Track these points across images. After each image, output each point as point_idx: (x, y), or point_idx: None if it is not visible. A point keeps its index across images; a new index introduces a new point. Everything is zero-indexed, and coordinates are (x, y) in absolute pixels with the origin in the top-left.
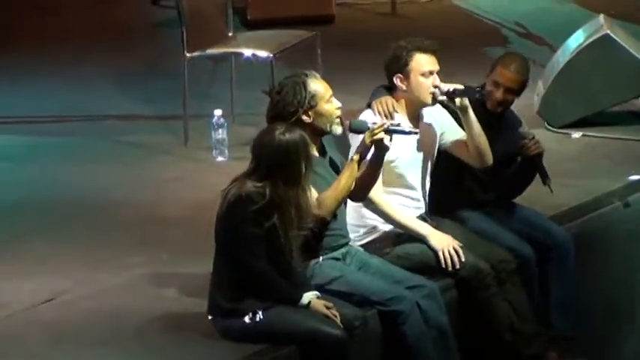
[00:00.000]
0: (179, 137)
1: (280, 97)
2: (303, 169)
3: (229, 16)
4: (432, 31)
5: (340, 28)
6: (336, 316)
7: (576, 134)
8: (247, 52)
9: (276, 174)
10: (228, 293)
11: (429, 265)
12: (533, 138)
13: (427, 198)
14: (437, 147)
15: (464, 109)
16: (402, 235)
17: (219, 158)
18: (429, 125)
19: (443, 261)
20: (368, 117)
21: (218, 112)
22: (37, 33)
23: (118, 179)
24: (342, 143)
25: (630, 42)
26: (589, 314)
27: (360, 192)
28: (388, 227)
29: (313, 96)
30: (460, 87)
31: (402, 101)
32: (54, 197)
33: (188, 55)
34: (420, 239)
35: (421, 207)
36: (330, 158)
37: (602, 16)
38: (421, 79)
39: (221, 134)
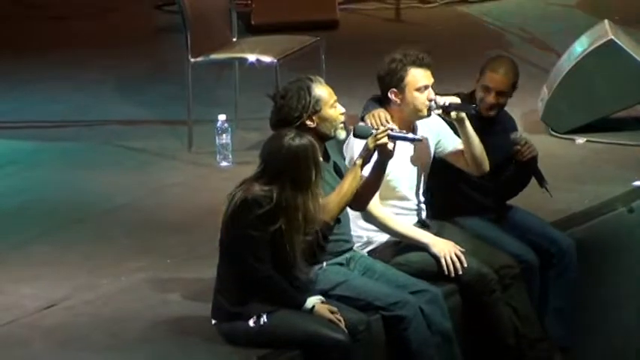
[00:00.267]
0: (183, 142)
1: (284, 102)
2: (313, 175)
3: (233, 21)
4: (436, 36)
5: (344, 33)
6: (340, 321)
7: (580, 140)
8: (251, 57)
9: (285, 179)
10: (233, 297)
11: (431, 271)
12: (526, 143)
13: (426, 204)
14: (432, 157)
15: (460, 120)
16: (402, 244)
17: (223, 163)
18: (424, 136)
19: (445, 267)
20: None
21: (222, 117)
22: (44, 39)
23: (121, 184)
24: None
25: (635, 48)
26: (591, 321)
27: (362, 200)
28: (383, 240)
29: (317, 101)
30: (455, 100)
31: (396, 114)
32: (58, 202)
33: (192, 60)
34: (422, 247)
35: (415, 217)
36: (334, 163)
37: (606, 22)
38: (416, 93)
39: (225, 139)
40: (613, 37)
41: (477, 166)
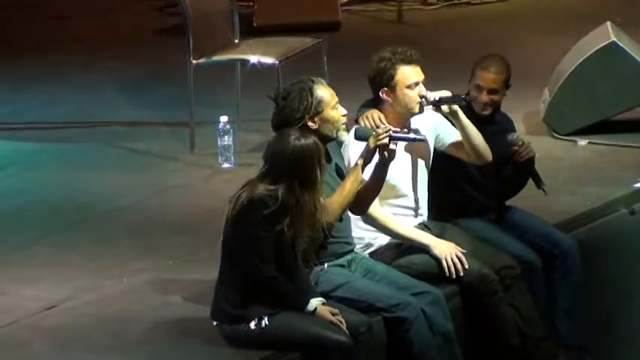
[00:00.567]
0: (185, 144)
1: (286, 103)
2: (318, 175)
3: (235, 22)
4: (438, 37)
5: (346, 35)
6: (341, 323)
7: (582, 142)
8: (253, 59)
9: (290, 179)
10: (235, 299)
11: (432, 273)
12: (523, 144)
13: (427, 205)
14: (432, 153)
15: (453, 113)
16: (402, 246)
17: (225, 165)
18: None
19: (446, 269)
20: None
21: (224, 119)
22: (46, 40)
23: (123, 186)
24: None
25: (636, 49)
26: (595, 322)
27: (363, 204)
28: (384, 242)
29: (319, 102)
30: (446, 94)
31: (390, 114)
32: (59, 203)
33: (194, 61)
34: (423, 249)
35: (416, 215)
36: (336, 164)
37: (608, 24)
38: (407, 91)
39: (227, 141)
40: (615, 39)
41: (478, 155)
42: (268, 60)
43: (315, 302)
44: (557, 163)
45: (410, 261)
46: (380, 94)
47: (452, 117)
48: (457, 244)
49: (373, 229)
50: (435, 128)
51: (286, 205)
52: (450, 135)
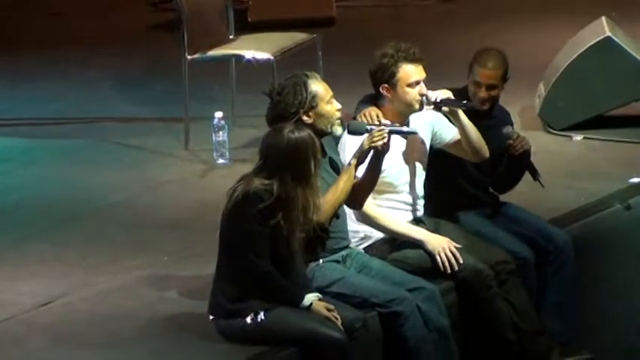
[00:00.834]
0: (180, 139)
1: (281, 98)
2: (313, 168)
3: (230, 18)
4: (433, 33)
5: (341, 30)
6: (337, 318)
7: (577, 137)
8: (248, 54)
9: (286, 172)
10: (231, 293)
11: (427, 268)
12: (518, 137)
13: (424, 200)
14: (428, 150)
15: (453, 112)
16: (398, 240)
17: (220, 160)
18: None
19: (440, 264)
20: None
21: (219, 115)
22: (42, 37)
23: (118, 181)
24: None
25: (631, 44)
26: (589, 317)
27: (359, 197)
28: (380, 235)
29: (314, 97)
30: (447, 95)
31: (389, 110)
32: (54, 199)
33: (189, 57)
34: (417, 244)
35: (412, 211)
36: (330, 158)
37: (603, 19)
38: (408, 89)
39: (222, 136)
40: (610, 33)
41: (476, 153)
42: (263, 55)
43: (310, 297)
44: (551, 159)
45: (405, 255)
46: (380, 89)
47: (451, 116)
48: (452, 239)
49: (364, 227)
50: (433, 125)
51: (281, 198)
52: (448, 132)
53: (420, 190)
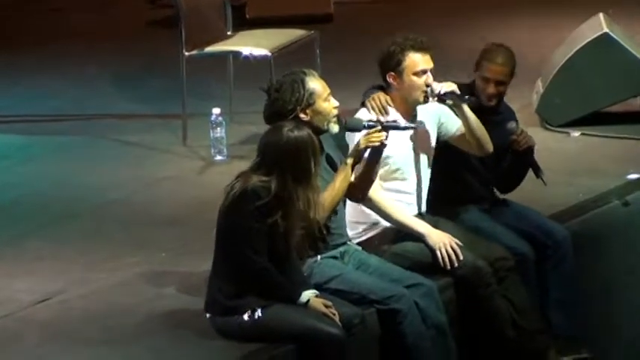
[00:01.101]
0: (177, 136)
1: (278, 95)
2: (312, 167)
3: (228, 14)
4: (432, 29)
5: (338, 27)
6: (334, 315)
7: (575, 133)
8: (245, 51)
9: (284, 170)
10: (228, 290)
11: (426, 263)
12: (522, 132)
13: (426, 193)
14: (434, 140)
15: (457, 105)
16: (401, 233)
17: (218, 157)
18: (424, 123)
19: (440, 260)
20: (363, 115)
21: (216, 111)
22: (41, 33)
23: (115, 178)
24: (341, 141)
25: (629, 41)
26: (588, 312)
27: (358, 191)
28: (382, 227)
29: (311, 94)
30: (452, 88)
31: (395, 98)
32: (51, 196)
33: (186, 53)
34: (418, 237)
35: (415, 204)
36: (328, 155)
37: (601, 15)
38: (414, 77)
39: (219, 133)
40: (607, 30)
41: (480, 147)
42: (261, 52)
43: (308, 294)
44: (549, 155)
45: (405, 249)
46: (387, 77)
47: (456, 109)
48: (452, 235)
49: (372, 214)
50: (439, 116)
51: (279, 196)
52: (453, 125)
53: (425, 183)
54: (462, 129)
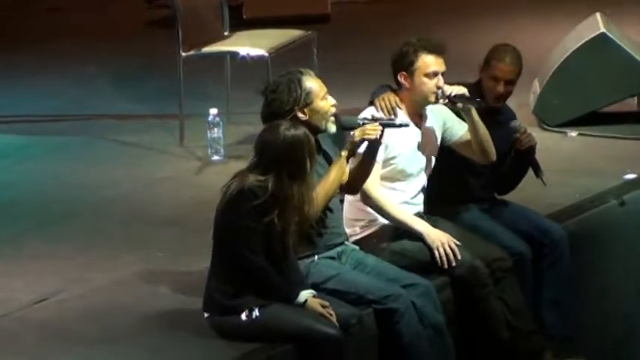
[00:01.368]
0: (174, 136)
1: (275, 96)
2: (308, 166)
3: (225, 15)
4: (430, 30)
5: (336, 27)
6: (332, 315)
7: (572, 133)
8: (242, 51)
9: (281, 169)
10: (226, 289)
11: (424, 262)
12: (525, 131)
13: (426, 193)
14: (439, 142)
15: (467, 110)
16: (399, 231)
17: (215, 157)
18: (431, 125)
19: (438, 258)
20: (369, 114)
21: (213, 111)
22: (41, 33)
23: (113, 178)
24: (339, 139)
25: (626, 41)
26: (584, 313)
27: (353, 185)
28: (386, 221)
29: (308, 93)
30: (462, 91)
31: (405, 99)
32: (49, 196)
33: (183, 54)
34: (417, 236)
35: (420, 203)
36: (325, 153)
37: (598, 15)
38: (425, 79)
39: (216, 133)
40: (604, 30)
41: (484, 154)
42: (258, 52)
43: (305, 294)
44: (546, 155)
45: (403, 247)
46: (398, 77)
47: (464, 113)
48: (450, 234)
49: (370, 212)
50: (445, 121)
51: (276, 195)
52: (458, 131)
53: (425, 183)
54: (467, 136)
